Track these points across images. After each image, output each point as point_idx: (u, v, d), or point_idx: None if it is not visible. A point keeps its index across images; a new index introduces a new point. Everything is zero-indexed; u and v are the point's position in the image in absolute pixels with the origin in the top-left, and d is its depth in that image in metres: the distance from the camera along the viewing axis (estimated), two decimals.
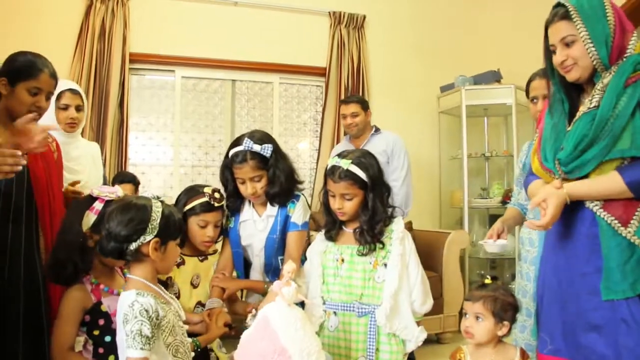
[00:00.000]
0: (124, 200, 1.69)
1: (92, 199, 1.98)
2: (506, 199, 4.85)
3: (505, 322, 1.90)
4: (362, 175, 2.12)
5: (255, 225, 2.43)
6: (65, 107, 2.79)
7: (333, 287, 2.18)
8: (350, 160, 2.13)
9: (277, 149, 2.35)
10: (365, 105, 4.17)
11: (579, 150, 1.68)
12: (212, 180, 5.01)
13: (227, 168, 2.38)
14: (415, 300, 2.14)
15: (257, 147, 2.28)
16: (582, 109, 1.73)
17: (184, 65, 4.98)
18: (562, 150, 1.73)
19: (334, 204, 2.16)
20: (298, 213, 2.40)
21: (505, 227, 2.58)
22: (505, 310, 1.90)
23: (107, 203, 1.92)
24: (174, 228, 1.69)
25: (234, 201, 2.44)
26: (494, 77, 5.04)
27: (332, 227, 2.23)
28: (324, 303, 2.18)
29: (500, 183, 5.25)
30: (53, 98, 2.71)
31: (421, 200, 5.04)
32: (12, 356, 1.92)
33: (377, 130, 4.18)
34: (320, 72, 5.26)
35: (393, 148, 4.00)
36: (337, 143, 4.95)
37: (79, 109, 2.84)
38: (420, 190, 4.93)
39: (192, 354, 1.72)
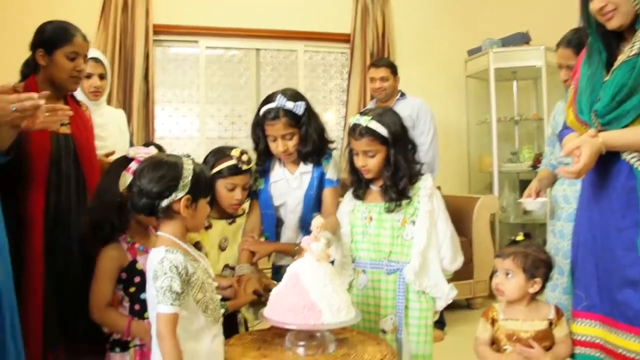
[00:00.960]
0: (155, 158, 1.69)
1: (127, 159, 1.99)
2: (537, 163, 4.76)
3: (537, 279, 1.87)
4: (382, 131, 2.09)
5: (288, 184, 2.41)
6: (89, 76, 2.80)
7: (362, 245, 2.17)
8: (370, 117, 2.11)
9: (309, 107, 2.32)
10: (395, 70, 4.10)
11: (617, 100, 1.61)
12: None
13: (259, 125, 2.34)
14: (445, 257, 2.12)
15: (289, 105, 2.24)
16: (622, 57, 1.65)
17: (207, 36, 4.97)
18: (598, 102, 1.67)
19: (358, 161, 2.15)
20: (332, 169, 2.41)
21: (541, 186, 2.56)
22: (537, 266, 1.87)
23: None
24: (204, 186, 1.69)
25: (265, 160, 2.42)
26: (522, 38, 4.91)
27: (359, 185, 2.23)
28: (353, 262, 2.18)
29: (531, 147, 5.15)
30: None
31: (449, 165, 4.97)
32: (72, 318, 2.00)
33: (403, 95, 4.12)
34: (345, 39, 5.20)
35: (418, 113, 3.94)
36: (364, 106, 4.93)
37: (102, 77, 2.85)
38: (448, 156, 4.86)
39: (222, 310, 1.73)
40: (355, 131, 2.11)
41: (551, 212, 2.66)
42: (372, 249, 2.15)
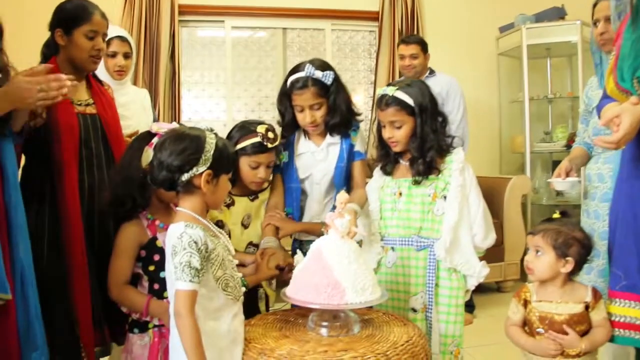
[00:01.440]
0: (176, 131, 1.63)
1: (151, 135, 1.94)
2: (570, 142, 4.60)
3: (569, 259, 1.77)
4: (408, 100, 2.02)
5: (314, 157, 2.34)
6: (114, 55, 2.78)
7: (391, 222, 2.11)
8: (397, 87, 2.05)
9: (337, 78, 2.25)
10: (425, 47, 3.99)
11: None
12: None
13: (286, 95, 2.28)
14: (477, 234, 2.03)
15: (318, 74, 2.18)
16: None
17: (233, 15, 4.91)
18: None
19: (385, 133, 2.09)
20: (360, 142, 2.35)
21: (573, 165, 2.45)
22: (569, 244, 1.77)
23: None
24: (227, 161, 1.63)
25: (291, 132, 2.36)
26: (557, 13, 4.74)
27: (387, 160, 2.16)
28: (381, 239, 2.12)
29: (564, 127, 5.00)
30: None
31: (480, 145, 4.83)
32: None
33: (432, 72, 4.01)
34: (373, 17, 5.08)
35: (448, 90, 3.83)
36: None
37: (127, 56, 2.82)
38: (478, 136, 4.73)
39: (243, 289, 1.68)
40: (382, 101, 2.06)
41: (585, 192, 2.55)
42: (401, 225, 2.08)
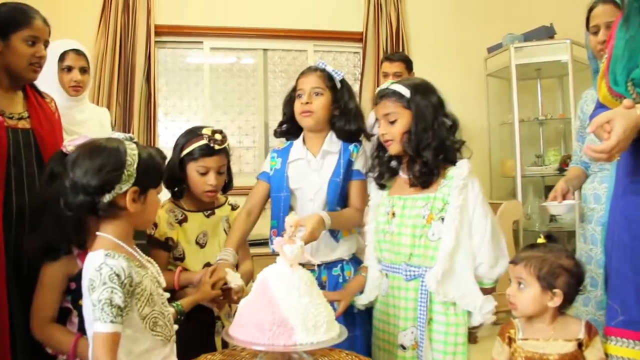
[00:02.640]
0: (90, 144, 1.40)
1: (64, 155, 1.61)
2: (564, 166, 4.43)
3: (556, 290, 1.54)
4: (403, 91, 1.82)
5: (309, 165, 2.13)
6: (69, 69, 2.58)
7: (384, 245, 1.88)
8: (396, 82, 1.89)
9: (348, 85, 2.16)
10: (410, 65, 3.81)
11: None
12: (247, 155, 4.82)
13: (293, 90, 2.17)
14: (482, 262, 1.76)
15: (329, 68, 2.12)
16: None
17: (212, 36, 4.74)
18: (637, 68, 1.37)
19: (379, 130, 1.89)
20: (361, 159, 2.13)
21: (569, 187, 2.24)
22: (556, 274, 1.55)
23: None
24: (154, 174, 1.42)
25: (283, 132, 2.22)
26: (546, 32, 4.58)
27: (382, 169, 1.95)
28: (379, 263, 1.91)
29: (557, 149, 4.82)
30: (55, 59, 2.53)
31: None
32: None
33: None
34: (357, 38, 4.91)
35: None
36: None
37: (83, 70, 2.62)
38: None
39: (175, 326, 1.44)
40: (378, 95, 1.90)
41: (581, 215, 2.35)
42: (392, 249, 1.85)
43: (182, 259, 2.05)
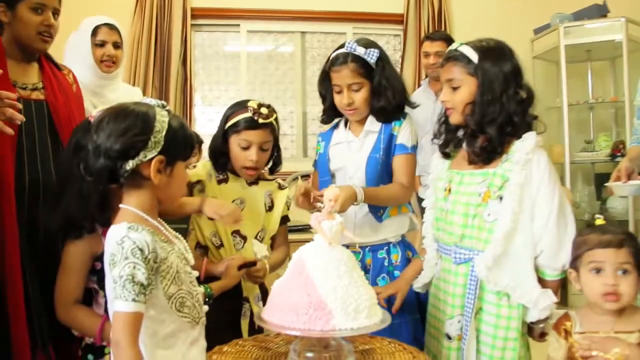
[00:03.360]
0: (118, 107, 1.30)
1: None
2: (616, 151, 4.21)
3: None
4: (471, 54, 1.64)
5: (349, 147, 2.04)
6: (102, 44, 2.52)
7: (440, 224, 1.74)
8: (467, 42, 1.69)
9: (384, 57, 1.97)
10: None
11: None
12: (285, 140, 4.72)
13: (326, 75, 2.03)
14: (544, 250, 1.58)
15: (360, 50, 1.92)
16: None
17: (249, 19, 4.67)
18: None
19: (442, 96, 1.74)
20: (405, 133, 1.99)
21: (634, 167, 2.08)
22: None
23: None
24: (183, 144, 1.32)
25: (330, 119, 2.12)
26: (599, 11, 4.33)
27: (448, 137, 1.78)
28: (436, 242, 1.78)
29: (608, 135, 4.58)
30: (88, 34, 2.47)
31: None
32: None
33: None
34: (398, 20, 4.77)
35: None
36: None
37: (117, 45, 2.55)
38: None
39: (205, 307, 1.35)
40: (444, 58, 1.75)
41: None
42: (445, 229, 1.71)
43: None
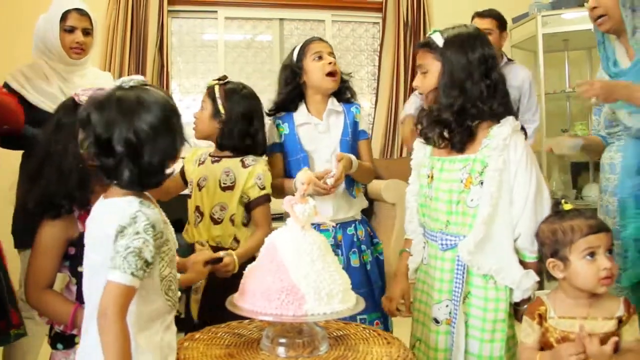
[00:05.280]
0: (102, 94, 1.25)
1: (77, 105, 1.48)
2: None
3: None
4: (438, 40, 1.67)
5: (315, 129, 2.15)
6: (71, 30, 2.43)
7: (425, 210, 1.75)
8: (440, 30, 1.71)
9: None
10: (503, 24, 3.51)
11: None
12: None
13: (297, 59, 2.16)
14: (523, 233, 1.59)
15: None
16: None
17: (226, 5, 4.62)
18: None
19: (415, 81, 1.79)
20: (364, 120, 2.25)
21: (581, 141, 2.22)
22: None
23: None
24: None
25: (289, 103, 2.18)
26: (576, 0, 4.36)
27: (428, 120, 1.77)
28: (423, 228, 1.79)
29: (584, 124, 4.60)
30: (57, 19, 2.39)
31: None
32: None
33: (510, 60, 3.55)
34: (377, 7, 4.77)
35: (523, 86, 3.39)
36: (397, 85, 4.52)
37: (87, 32, 2.46)
38: None
39: (179, 293, 1.33)
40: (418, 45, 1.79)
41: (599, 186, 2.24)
42: (430, 215, 1.71)
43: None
